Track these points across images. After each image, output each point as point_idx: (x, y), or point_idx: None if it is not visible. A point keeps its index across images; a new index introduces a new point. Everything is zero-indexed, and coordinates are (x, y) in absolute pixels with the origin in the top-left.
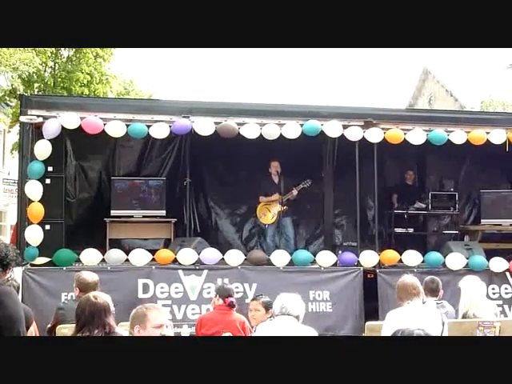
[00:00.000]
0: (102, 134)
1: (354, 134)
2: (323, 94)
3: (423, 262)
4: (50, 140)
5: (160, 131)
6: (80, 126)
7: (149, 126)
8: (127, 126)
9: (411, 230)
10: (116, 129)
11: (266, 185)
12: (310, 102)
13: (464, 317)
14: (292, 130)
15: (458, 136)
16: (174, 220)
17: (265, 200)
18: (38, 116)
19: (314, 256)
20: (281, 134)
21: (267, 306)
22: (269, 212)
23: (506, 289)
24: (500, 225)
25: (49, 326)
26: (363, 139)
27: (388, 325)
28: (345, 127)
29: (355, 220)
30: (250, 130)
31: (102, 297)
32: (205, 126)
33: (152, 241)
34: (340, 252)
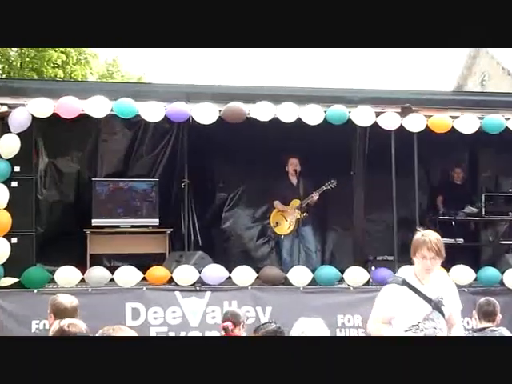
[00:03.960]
0: (82, 123)
1: (390, 122)
2: (351, 76)
3: (476, 279)
4: (17, 134)
5: (153, 113)
6: (54, 116)
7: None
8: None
9: (460, 241)
10: (98, 109)
11: (282, 187)
12: (336, 85)
13: None
14: (314, 117)
15: None
16: (169, 230)
17: (280, 207)
18: (2, 104)
19: (342, 273)
20: (300, 123)
21: None
22: (284, 220)
23: None
24: None
25: None
26: (401, 128)
27: None
28: (378, 114)
29: (392, 228)
30: (263, 111)
31: (79, 325)
32: (206, 113)
33: (143, 256)
34: (373, 268)
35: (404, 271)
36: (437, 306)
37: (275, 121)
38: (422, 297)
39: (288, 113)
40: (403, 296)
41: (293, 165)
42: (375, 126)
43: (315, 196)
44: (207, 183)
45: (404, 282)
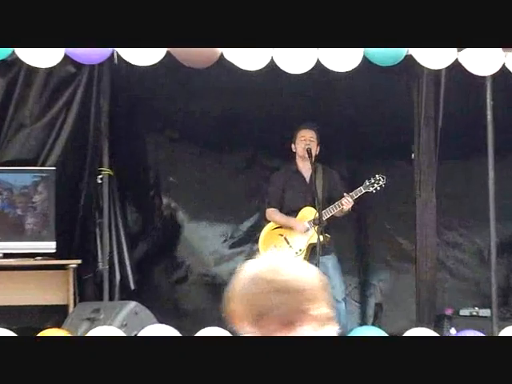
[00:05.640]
0: None
1: (483, 61)
2: None
3: None
4: None
5: (41, 53)
6: None
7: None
8: None
9: None
10: None
11: (285, 183)
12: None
13: None
14: (344, 56)
15: None
16: (75, 263)
17: (280, 222)
18: None
19: None
20: (320, 68)
21: None
22: (287, 245)
23: None
24: None
25: None
26: (503, 73)
27: None
28: (461, 48)
29: (487, 258)
30: (249, 51)
31: None
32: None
33: (26, 311)
34: (452, 331)
35: None
36: None
37: (272, 67)
38: None
39: (297, 54)
40: None
41: (305, 140)
42: (456, 68)
43: (347, 203)
44: (146, 176)
45: None
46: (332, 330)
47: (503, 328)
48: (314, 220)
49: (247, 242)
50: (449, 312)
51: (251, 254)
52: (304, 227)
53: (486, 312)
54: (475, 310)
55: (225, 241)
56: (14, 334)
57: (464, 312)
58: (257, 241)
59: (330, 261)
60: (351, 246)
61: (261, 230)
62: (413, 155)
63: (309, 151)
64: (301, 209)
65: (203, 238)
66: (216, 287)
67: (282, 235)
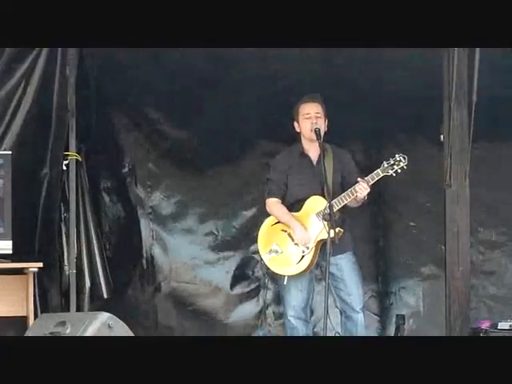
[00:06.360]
0: None
1: None
2: None
3: None
4: None
5: None
6: None
7: None
8: None
9: None
10: None
11: (289, 166)
12: None
13: None
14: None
15: None
16: (35, 267)
17: (280, 217)
18: None
19: None
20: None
21: None
22: (292, 243)
23: None
24: None
25: None
26: None
27: None
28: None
29: None
30: None
31: None
32: None
33: None
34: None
35: None
36: None
37: None
38: None
39: None
40: None
41: (310, 118)
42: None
43: (362, 189)
44: (120, 162)
45: None
46: None
47: None
48: (323, 212)
49: (241, 243)
50: (485, 325)
51: (246, 257)
52: (306, 237)
53: None
54: None
55: (214, 241)
56: None
57: (503, 325)
58: (254, 241)
59: (345, 261)
60: (367, 248)
61: (258, 228)
62: (441, 137)
63: (317, 132)
64: (306, 198)
65: (188, 237)
66: (202, 299)
67: (285, 231)
